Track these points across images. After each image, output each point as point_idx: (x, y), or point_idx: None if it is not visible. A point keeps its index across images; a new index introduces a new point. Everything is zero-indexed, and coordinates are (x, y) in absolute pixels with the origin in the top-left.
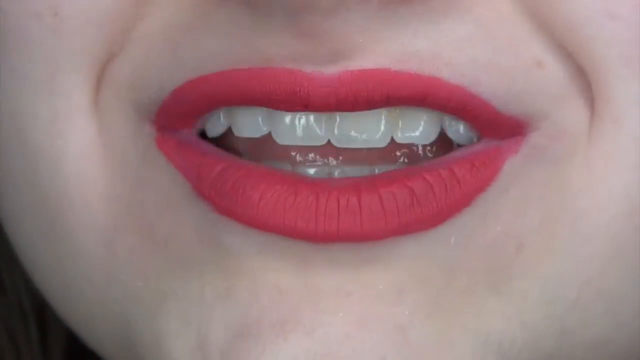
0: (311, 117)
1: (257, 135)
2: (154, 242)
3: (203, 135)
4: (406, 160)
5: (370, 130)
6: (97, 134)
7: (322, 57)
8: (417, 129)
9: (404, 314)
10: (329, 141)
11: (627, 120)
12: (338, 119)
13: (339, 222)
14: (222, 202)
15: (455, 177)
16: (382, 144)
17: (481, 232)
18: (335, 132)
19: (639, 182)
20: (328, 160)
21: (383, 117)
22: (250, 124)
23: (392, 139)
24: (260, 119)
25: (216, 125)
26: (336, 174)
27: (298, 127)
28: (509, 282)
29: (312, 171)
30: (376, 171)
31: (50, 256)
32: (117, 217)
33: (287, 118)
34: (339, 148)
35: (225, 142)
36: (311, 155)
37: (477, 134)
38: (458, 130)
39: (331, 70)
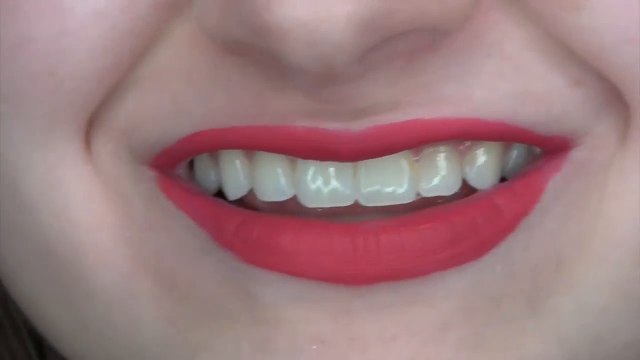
0: (336, 182)
1: (282, 199)
2: (176, 290)
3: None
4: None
5: (396, 183)
6: (95, 179)
7: (344, 115)
8: (440, 179)
9: (450, 351)
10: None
11: None
12: (363, 177)
13: (380, 261)
14: (249, 251)
15: (497, 206)
16: (409, 199)
17: (524, 256)
18: (362, 190)
19: None
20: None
21: (406, 175)
22: (273, 188)
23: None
24: (283, 181)
25: (237, 187)
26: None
27: (324, 191)
28: (546, 301)
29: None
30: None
31: (62, 303)
32: (133, 260)
33: (313, 185)
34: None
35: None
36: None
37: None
38: (479, 176)
39: (358, 126)
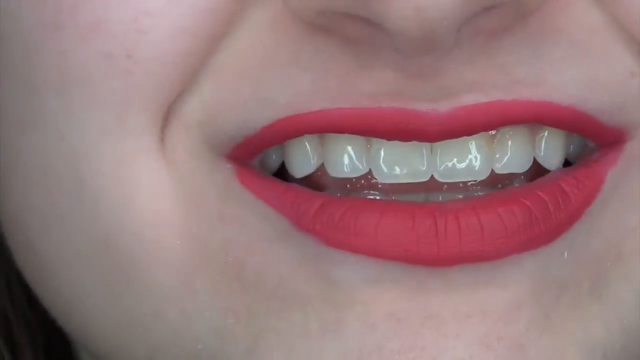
0: (412, 158)
1: (355, 175)
2: (241, 279)
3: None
4: (501, 185)
5: (471, 159)
6: (166, 174)
7: (431, 94)
8: (513, 157)
9: (521, 331)
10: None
11: None
12: (439, 152)
13: (461, 244)
14: (331, 233)
15: (565, 193)
16: (483, 175)
17: (588, 244)
18: (438, 167)
19: None
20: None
21: (483, 151)
22: (348, 164)
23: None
24: (356, 157)
25: (305, 164)
26: (440, 198)
27: (399, 167)
28: (608, 288)
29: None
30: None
31: (110, 299)
32: (196, 255)
33: (388, 160)
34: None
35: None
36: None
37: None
38: (548, 155)
39: (444, 107)
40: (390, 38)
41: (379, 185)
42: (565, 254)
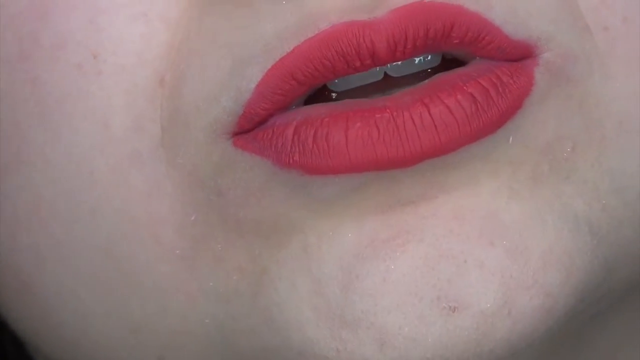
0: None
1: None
2: (243, 236)
3: None
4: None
5: None
6: (162, 172)
7: (367, 3)
8: None
9: (487, 200)
10: None
11: (630, 19)
12: None
13: (421, 142)
14: (309, 161)
15: (503, 81)
16: (436, 62)
17: (534, 133)
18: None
19: None
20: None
21: None
22: None
23: None
24: None
25: None
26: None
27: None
28: (575, 173)
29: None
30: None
31: (113, 313)
32: (196, 239)
33: None
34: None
35: None
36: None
37: None
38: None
39: (380, 13)
40: None
41: (334, 97)
42: (510, 139)
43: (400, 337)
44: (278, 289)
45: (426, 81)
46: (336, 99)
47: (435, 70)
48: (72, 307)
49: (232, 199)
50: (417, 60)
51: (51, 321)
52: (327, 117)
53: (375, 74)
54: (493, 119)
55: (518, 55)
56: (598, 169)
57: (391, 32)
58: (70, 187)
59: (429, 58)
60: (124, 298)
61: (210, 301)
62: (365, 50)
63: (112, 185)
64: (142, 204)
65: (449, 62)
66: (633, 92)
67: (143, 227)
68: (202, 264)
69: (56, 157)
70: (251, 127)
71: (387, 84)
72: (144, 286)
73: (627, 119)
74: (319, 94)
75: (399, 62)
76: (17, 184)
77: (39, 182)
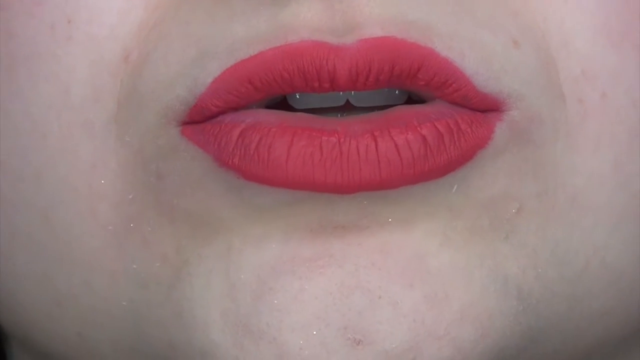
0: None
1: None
2: (173, 223)
3: None
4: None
5: None
6: (109, 148)
7: (340, 28)
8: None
9: (419, 241)
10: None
11: (610, 96)
12: None
13: (361, 174)
14: (248, 167)
15: (461, 129)
16: (401, 100)
17: (481, 186)
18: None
19: (628, 150)
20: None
21: None
22: None
23: None
24: None
25: None
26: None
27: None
28: (515, 235)
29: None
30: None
31: (37, 278)
32: (130, 219)
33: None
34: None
35: None
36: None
37: None
38: None
39: (349, 40)
40: None
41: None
42: (455, 188)
43: (299, 357)
44: (193, 285)
45: (383, 112)
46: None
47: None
48: (7, 267)
49: (170, 185)
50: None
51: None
52: (275, 127)
53: (337, 99)
54: (440, 165)
55: (483, 107)
56: (541, 236)
57: (355, 62)
58: (22, 145)
59: (396, 93)
60: (54, 267)
61: (130, 284)
62: (325, 74)
63: (61, 151)
64: (86, 174)
65: (413, 101)
66: (594, 169)
67: (82, 198)
68: (130, 244)
69: (15, 112)
70: (201, 120)
71: (348, 108)
72: (73, 258)
73: (583, 195)
74: (280, 106)
75: (362, 92)
76: None
77: None
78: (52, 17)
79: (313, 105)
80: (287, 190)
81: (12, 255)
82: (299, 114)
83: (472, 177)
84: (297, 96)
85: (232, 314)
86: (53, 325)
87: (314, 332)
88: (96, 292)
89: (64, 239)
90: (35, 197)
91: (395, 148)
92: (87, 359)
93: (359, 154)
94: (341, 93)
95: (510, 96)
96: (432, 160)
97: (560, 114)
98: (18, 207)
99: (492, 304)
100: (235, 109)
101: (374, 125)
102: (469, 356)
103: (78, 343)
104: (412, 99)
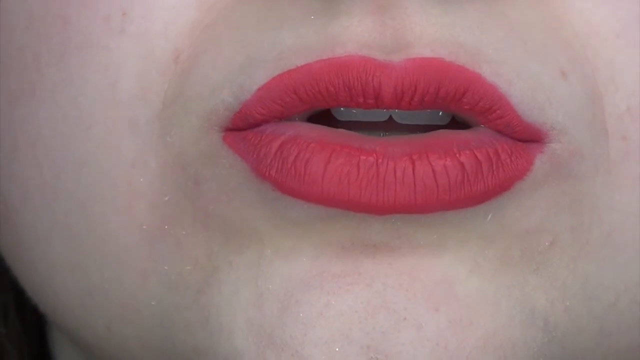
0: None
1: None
2: (207, 229)
3: None
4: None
5: None
6: (152, 148)
7: (389, 44)
8: None
9: (448, 267)
10: None
11: None
12: None
13: (396, 196)
14: (284, 180)
15: (500, 159)
16: (445, 121)
17: (516, 217)
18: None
19: None
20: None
21: None
22: None
23: None
24: None
25: None
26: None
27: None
28: (546, 267)
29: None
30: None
31: (71, 267)
32: (165, 219)
33: None
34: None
35: None
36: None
37: None
38: None
39: (397, 58)
40: None
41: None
42: (489, 217)
43: None
44: (222, 291)
45: (423, 135)
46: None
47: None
48: (44, 253)
49: (207, 191)
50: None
51: (24, 258)
52: (314, 142)
53: (380, 115)
54: (476, 193)
55: (525, 137)
56: (572, 270)
57: (401, 81)
58: (67, 134)
59: (440, 114)
60: (88, 258)
61: (160, 285)
62: (371, 90)
63: (104, 145)
64: (126, 171)
65: (457, 123)
66: (633, 207)
67: (120, 194)
68: (163, 245)
69: (63, 101)
70: (244, 127)
71: (390, 125)
72: (106, 252)
73: (618, 232)
74: (323, 117)
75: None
76: (23, 115)
77: (42, 120)
78: (107, 8)
79: (356, 119)
80: (321, 206)
81: (50, 242)
82: (339, 130)
83: (508, 208)
84: (342, 109)
85: (257, 323)
86: (84, 315)
87: (337, 349)
88: (126, 289)
89: (99, 233)
90: (76, 188)
91: (432, 173)
92: (115, 353)
93: (396, 176)
94: (384, 110)
95: (553, 128)
96: (469, 188)
97: (602, 150)
98: (59, 195)
99: (517, 334)
100: (279, 118)
101: (413, 148)
102: None
103: (107, 336)
104: (455, 121)
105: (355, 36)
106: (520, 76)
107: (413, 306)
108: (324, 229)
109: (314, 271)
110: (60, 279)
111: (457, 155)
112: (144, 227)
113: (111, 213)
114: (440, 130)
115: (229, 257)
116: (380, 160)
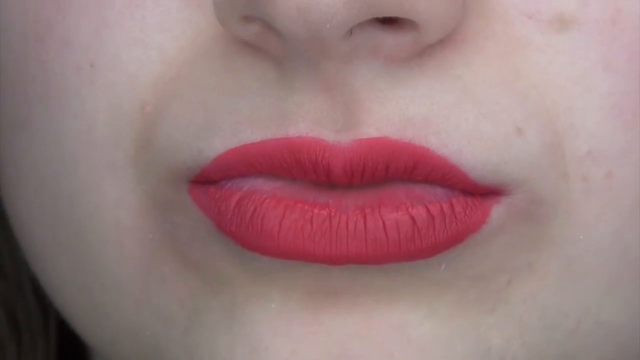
0: None
1: None
2: (188, 269)
3: None
4: None
5: None
6: (131, 190)
7: (340, 120)
8: None
9: (401, 313)
10: None
11: (616, 174)
12: None
13: (348, 248)
14: (244, 236)
15: (454, 213)
16: None
17: (471, 264)
18: None
19: (630, 221)
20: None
21: None
22: None
23: None
24: None
25: None
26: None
27: None
28: (503, 306)
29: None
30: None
31: (77, 285)
32: (151, 256)
33: None
34: None
35: None
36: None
37: None
38: None
39: (346, 137)
40: (284, 43)
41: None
42: (443, 267)
43: None
44: (202, 334)
45: (378, 187)
46: None
47: None
48: (53, 268)
49: (182, 236)
50: None
51: (38, 268)
52: (269, 198)
53: None
54: (426, 247)
55: (482, 192)
56: (530, 304)
57: (349, 162)
58: (57, 170)
59: None
60: (91, 280)
61: (153, 317)
62: (321, 170)
63: (89, 184)
64: (112, 209)
65: None
66: (593, 241)
67: (110, 229)
68: (152, 281)
69: (49, 139)
70: (206, 182)
71: None
72: (107, 278)
73: (578, 263)
74: None
75: None
76: (21, 145)
77: (35, 153)
78: (77, 59)
79: None
80: (278, 260)
81: (57, 260)
82: (296, 183)
83: (462, 257)
84: None
85: None
86: (92, 327)
87: None
88: (125, 316)
89: (96, 261)
90: (70, 219)
91: (382, 227)
92: None
93: (348, 230)
94: None
95: (510, 184)
96: (419, 241)
97: (562, 193)
98: (59, 220)
99: None
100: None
101: (366, 201)
102: None
103: (112, 352)
104: None
105: (307, 113)
106: (470, 142)
107: (368, 352)
108: (288, 277)
109: (283, 317)
110: (69, 294)
111: (409, 209)
112: (136, 260)
113: (104, 246)
114: (395, 183)
115: (207, 299)
116: (333, 214)
